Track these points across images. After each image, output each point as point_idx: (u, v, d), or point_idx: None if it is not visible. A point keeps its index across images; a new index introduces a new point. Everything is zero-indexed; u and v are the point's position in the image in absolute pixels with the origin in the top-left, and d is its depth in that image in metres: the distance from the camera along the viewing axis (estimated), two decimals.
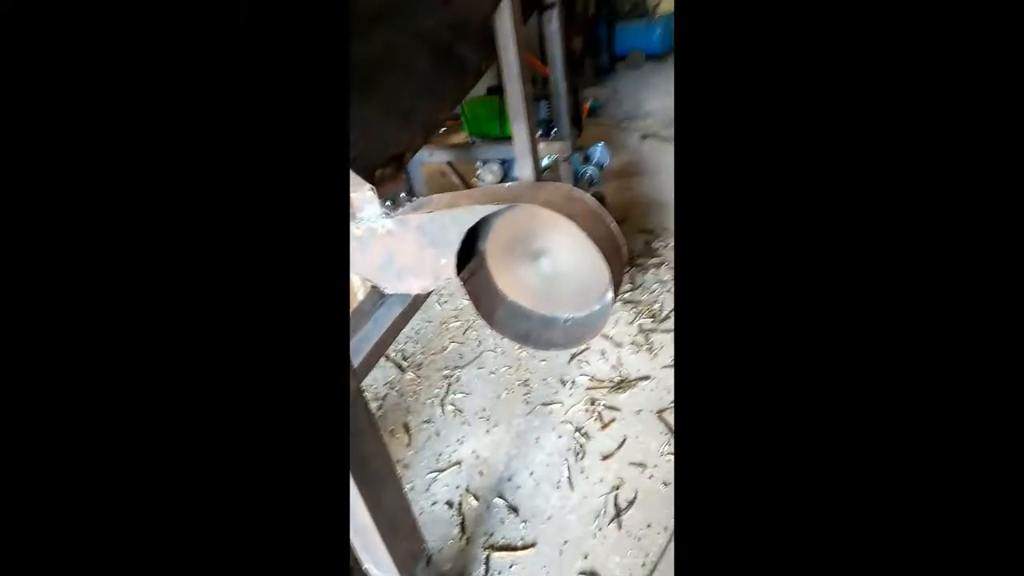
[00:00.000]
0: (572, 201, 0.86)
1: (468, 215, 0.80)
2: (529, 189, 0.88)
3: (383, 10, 0.61)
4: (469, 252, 0.86)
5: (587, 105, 3.86)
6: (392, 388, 1.34)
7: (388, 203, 0.94)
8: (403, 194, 1.27)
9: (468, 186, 1.83)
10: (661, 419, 1.14)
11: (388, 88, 0.70)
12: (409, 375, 1.38)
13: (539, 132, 1.84)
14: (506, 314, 1.02)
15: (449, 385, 1.33)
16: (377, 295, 1.22)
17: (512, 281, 0.94)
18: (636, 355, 1.33)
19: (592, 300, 0.88)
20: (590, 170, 1.48)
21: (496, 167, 1.65)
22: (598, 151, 1.57)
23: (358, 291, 1.35)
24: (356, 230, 0.92)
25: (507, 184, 0.94)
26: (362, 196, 0.83)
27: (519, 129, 1.07)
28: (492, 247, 0.87)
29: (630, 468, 1.05)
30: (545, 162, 1.84)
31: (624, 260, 0.91)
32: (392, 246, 0.92)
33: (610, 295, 0.79)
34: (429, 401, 1.29)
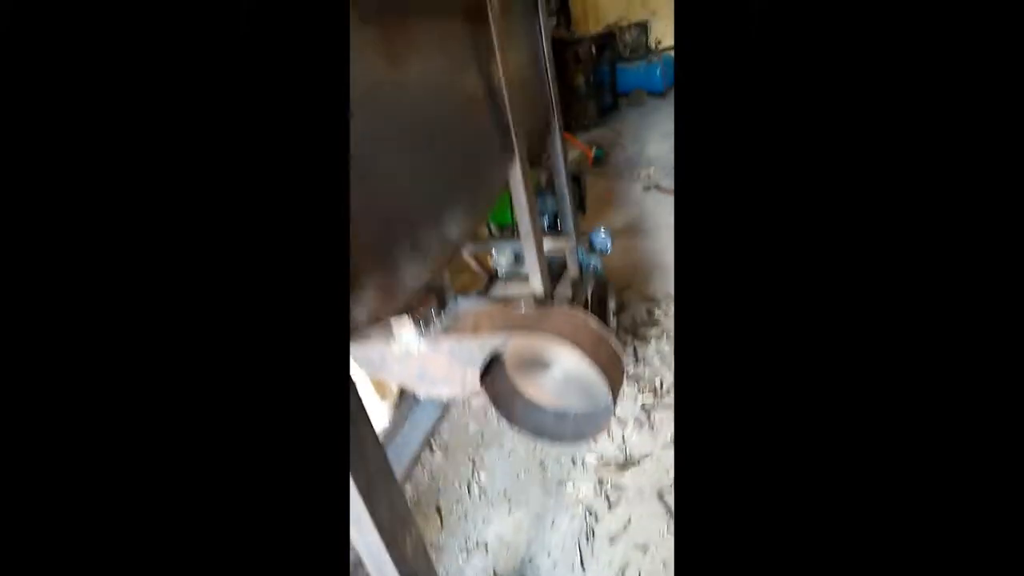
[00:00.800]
0: (577, 329, 1.06)
1: (491, 341, 0.99)
2: (541, 317, 1.07)
3: (401, 168, 0.78)
4: (490, 362, 1.05)
5: (591, 153, 4.06)
6: (424, 468, 1.51)
7: (422, 324, 1.13)
8: (433, 309, 1.49)
9: (486, 269, 2.02)
10: (662, 501, 1.29)
11: (418, 236, 0.87)
12: (438, 455, 1.55)
13: (547, 222, 2.02)
14: (522, 410, 1.21)
15: (474, 465, 1.50)
16: (412, 398, 1.41)
17: (527, 382, 1.13)
18: (639, 433, 1.48)
19: (597, 403, 1.05)
20: (593, 261, 1.66)
21: (509, 252, 1.84)
22: (600, 238, 1.74)
23: (393, 388, 1.54)
24: (395, 350, 1.12)
25: (523, 310, 1.13)
26: (399, 323, 1.02)
27: (529, 250, 1.26)
28: (510, 357, 1.05)
29: (635, 551, 1.20)
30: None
31: (623, 373, 1.10)
32: (426, 362, 1.11)
33: (612, 405, 0.97)
34: (457, 482, 1.46)
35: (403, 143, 0.77)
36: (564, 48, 4.76)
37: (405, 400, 1.46)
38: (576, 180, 1.92)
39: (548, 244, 1.74)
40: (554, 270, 1.89)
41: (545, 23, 1.30)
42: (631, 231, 2.74)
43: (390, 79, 0.72)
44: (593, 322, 1.11)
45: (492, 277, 2.09)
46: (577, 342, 1.03)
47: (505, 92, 1.02)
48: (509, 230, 2.11)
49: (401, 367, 1.15)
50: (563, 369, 1.11)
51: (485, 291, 2.04)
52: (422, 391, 1.20)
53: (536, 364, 1.10)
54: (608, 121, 5.35)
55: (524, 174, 1.15)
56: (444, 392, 1.19)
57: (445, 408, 1.49)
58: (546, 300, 1.31)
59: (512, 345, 1.03)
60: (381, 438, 1.01)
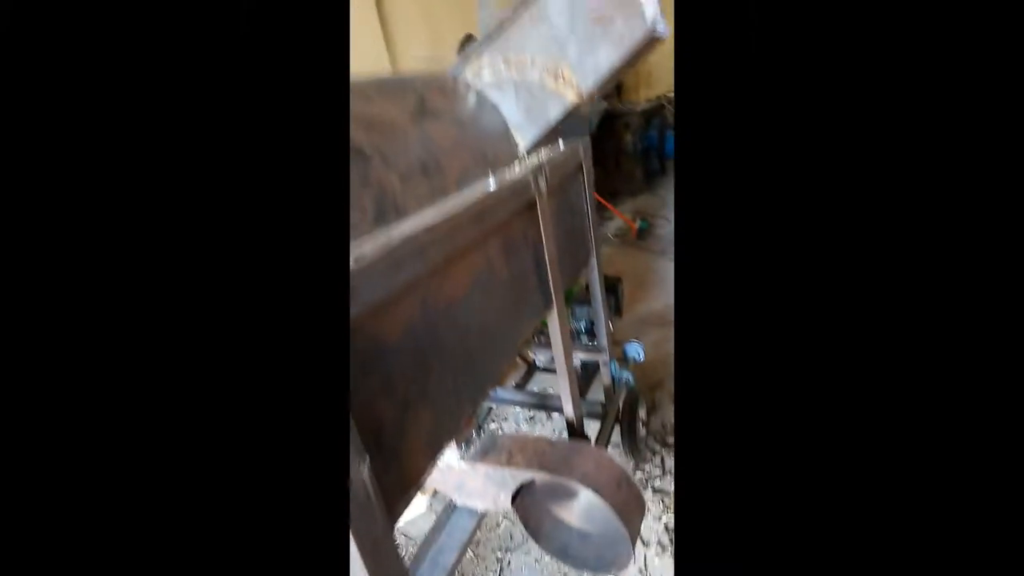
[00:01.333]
0: (601, 470, 1.18)
1: (522, 475, 1.12)
2: (570, 454, 1.20)
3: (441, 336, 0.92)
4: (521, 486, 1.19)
5: (636, 226, 4.17)
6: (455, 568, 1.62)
7: (463, 447, 1.29)
8: (474, 432, 1.65)
9: (526, 361, 2.16)
10: None
11: (470, 382, 1.01)
12: (469, 554, 1.66)
13: (584, 327, 2.14)
14: (550, 528, 1.34)
15: (501, 569, 1.59)
16: (450, 505, 1.54)
17: (555, 503, 1.25)
18: (660, 558, 1.53)
19: (617, 536, 1.16)
20: (625, 375, 1.75)
21: (547, 351, 1.97)
22: (633, 350, 1.84)
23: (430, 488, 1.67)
24: (439, 464, 1.27)
25: (556, 443, 1.25)
26: None
27: (563, 383, 1.38)
28: (540, 483, 1.19)
29: None
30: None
31: (644, 510, 1.20)
32: (464, 477, 1.26)
33: (631, 547, 1.08)
34: None
35: (467, 313, 0.91)
36: (615, 119, 4.95)
37: (445, 504, 1.59)
38: (612, 290, 2.04)
39: (582, 354, 1.86)
40: (588, 373, 2.00)
41: (588, 179, 1.46)
42: (669, 318, 2.78)
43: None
44: (616, 465, 1.22)
45: (531, 368, 2.22)
46: (599, 486, 1.15)
47: (549, 262, 1.17)
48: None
49: (442, 476, 1.29)
50: (588, 500, 1.23)
51: (524, 381, 2.17)
52: (459, 500, 1.34)
53: (564, 491, 1.22)
54: (654, 187, 5.45)
55: (562, 321, 1.28)
56: (479, 505, 1.32)
57: (482, 515, 1.61)
58: (578, 426, 1.42)
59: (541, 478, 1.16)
60: (420, 539, 1.14)
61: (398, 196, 0.77)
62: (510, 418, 2.20)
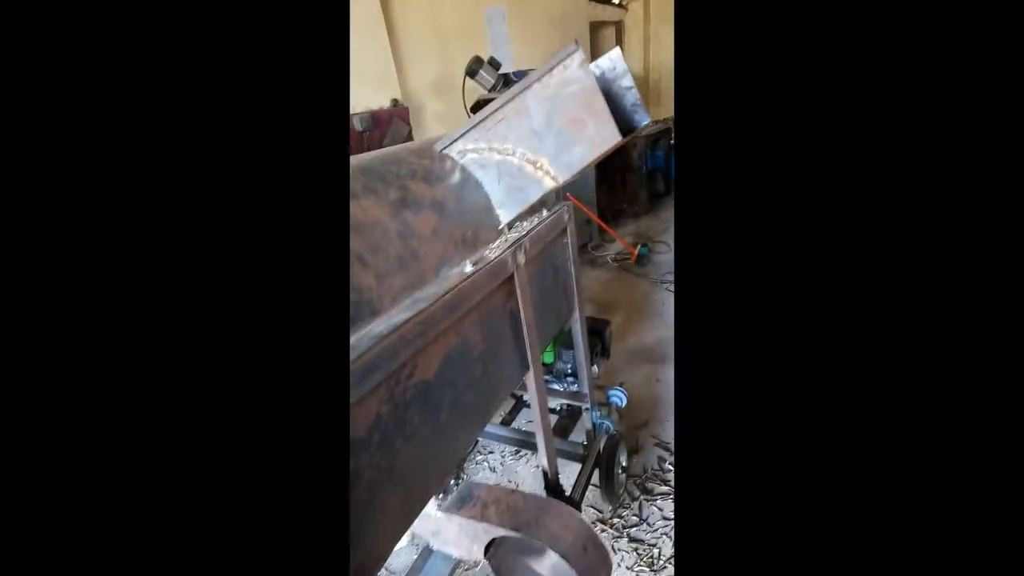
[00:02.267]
0: (569, 531, 1.23)
1: (494, 531, 1.21)
2: (542, 513, 1.25)
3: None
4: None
5: (636, 252, 4.21)
6: None
7: (440, 496, 1.35)
8: (452, 481, 1.72)
9: (512, 395, 2.21)
10: None
11: (450, 445, 1.06)
12: None
13: (568, 373, 2.18)
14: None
15: None
16: (427, 549, 1.59)
17: (526, 557, 1.31)
18: None
19: None
20: (606, 423, 1.80)
21: None
22: (615, 396, 1.89)
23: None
24: None
25: (529, 498, 1.31)
26: None
27: (540, 441, 1.43)
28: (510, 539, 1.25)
29: None
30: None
31: (609, 572, 1.26)
32: (440, 525, 1.31)
33: None
34: None
35: (439, 392, 0.96)
36: (617, 151, 4.98)
37: (423, 547, 1.65)
38: (598, 333, 2.09)
39: (565, 399, 1.91)
40: (573, 412, 2.04)
41: (572, 240, 1.51)
42: (660, 353, 2.82)
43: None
44: (584, 526, 1.27)
45: (518, 402, 2.27)
46: (566, 550, 1.20)
47: (527, 329, 1.23)
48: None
49: (420, 522, 1.35)
50: (555, 560, 1.28)
51: (511, 416, 2.22)
52: (435, 545, 1.40)
53: (534, 548, 1.27)
54: (658, 208, 5.48)
55: (538, 382, 1.33)
56: (454, 552, 1.38)
57: (458, 561, 1.66)
58: (552, 479, 1.47)
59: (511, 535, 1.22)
60: (401, 573, 1.19)
61: (374, 296, 0.82)
62: (496, 451, 2.25)
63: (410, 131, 4.55)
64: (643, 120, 1.22)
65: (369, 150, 4.27)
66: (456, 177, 1.16)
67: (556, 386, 2.02)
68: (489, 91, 4.39)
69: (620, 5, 7.23)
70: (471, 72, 4.33)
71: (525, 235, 1.20)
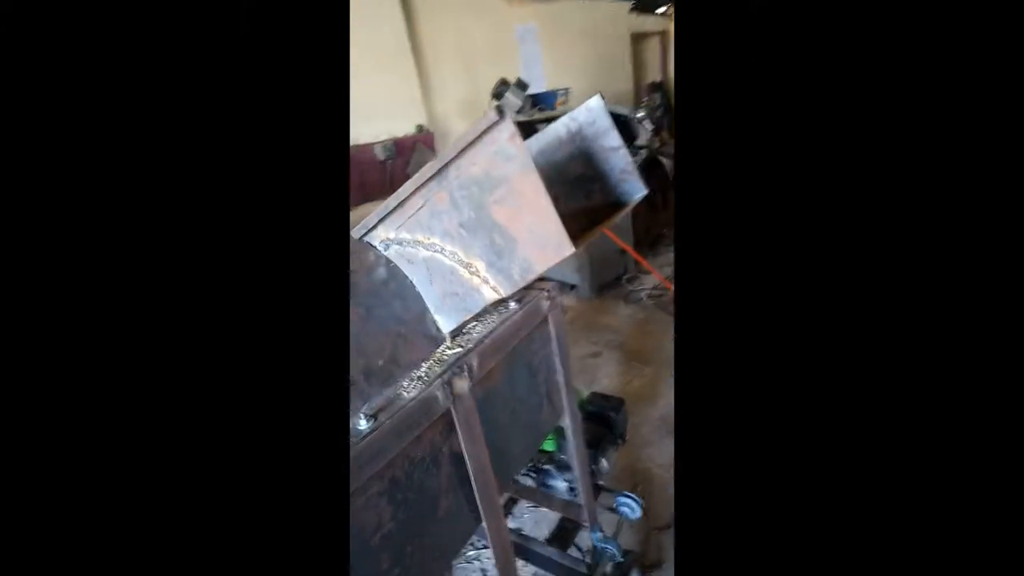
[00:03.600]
0: None
1: None
2: None
3: None
4: None
5: (672, 287, 3.78)
6: None
7: None
8: None
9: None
10: None
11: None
12: None
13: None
14: None
15: None
16: None
17: None
18: None
19: None
20: (610, 550, 1.44)
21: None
22: (625, 506, 1.52)
23: None
24: None
25: None
26: None
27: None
28: None
29: None
30: None
31: None
32: None
33: None
34: None
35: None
36: (656, 167, 4.59)
37: None
38: (607, 421, 1.72)
39: (560, 513, 1.56)
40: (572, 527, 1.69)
41: (559, 331, 1.18)
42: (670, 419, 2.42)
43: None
44: None
45: (511, 500, 1.94)
46: None
47: (474, 475, 0.91)
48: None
49: None
50: None
51: (505, 511, 1.90)
52: None
53: None
54: None
55: (499, 534, 1.01)
56: None
57: None
58: None
59: None
60: None
61: None
62: (482, 558, 1.92)
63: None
64: (635, 192, 0.88)
65: (393, 179, 4.09)
66: (380, 275, 0.87)
67: (557, 482, 1.67)
68: (517, 113, 4.15)
69: (665, 14, 6.79)
70: (497, 95, 4.08)
71: (470, 350, 0.88)
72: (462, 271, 0.76)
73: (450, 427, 0.86)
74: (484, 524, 0.96)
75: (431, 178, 0.70)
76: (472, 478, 0.91)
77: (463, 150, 0.65)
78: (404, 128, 4.15)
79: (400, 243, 0.82)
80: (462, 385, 0.86)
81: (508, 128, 0.61)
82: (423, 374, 0.82)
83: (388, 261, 0.87)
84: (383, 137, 4.01)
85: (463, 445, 0.88)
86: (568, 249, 0.64)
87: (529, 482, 1.73)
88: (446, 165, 0.67)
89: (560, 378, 1.23)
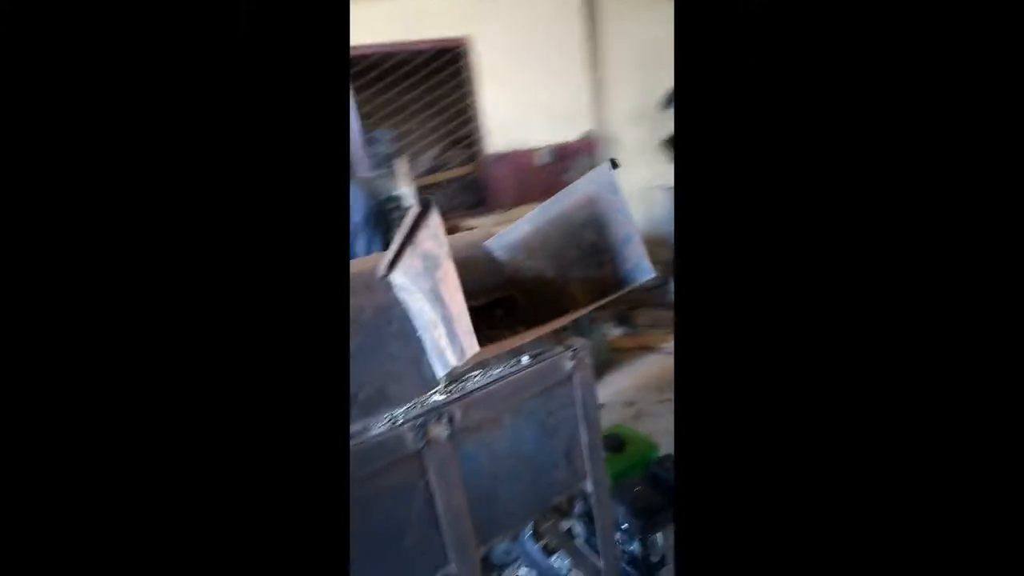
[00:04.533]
0: None
1: None
2: None
3: None
4: None
5: None
6: None
7: None
8: None
9: None
10: None
11: None
12: None
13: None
14: None
15: None
16: None
17: None
18: None
19: None
20: None
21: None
22: None
23: None
24: None
25: None
26: None
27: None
28: None
29: None
30: None
31: None
32: None
33: None
34: None
35: None
36: None
37: None
38: (649, 511, 1.50)
39: None
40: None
41: (587, 387, 1.10)
42: None
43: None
44: None
45: None
46: None
47: (445, 522, 0.93)
48: None
49: None
50: None
51: None
52: None
53: None
54: None
55: None
56: None
57: None
58: None
59: None
60: None
61: None
62: None
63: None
64: (642, 273, 0.78)
65: (547, 185, 4.25)
66: (386, 313, 0.94)
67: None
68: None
69: None
70: (666, 104, 3.85)
71: (455, 399, 0.90)
72: (433, 330, 0.79)
73: (423, 468, 0.90)
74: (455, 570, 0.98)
75: (401, 248, 0.74)
76: (441, 521, 0.93)
77: (405, 237, 0.67)
78: (569, 134, 4.20)
79: (405, 290, 0.88)
80: (439, 431, 0.89)
81: (432, 226, 0.61)
82: (400, 415, 0.88)
83: (398, 302, 0.94)
84: (547, 142, 4.13)
85: (435, 489, 0.91)
86: (471, 350, 0.61)
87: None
88: (403, 243, 0.70)
89: (584, 441, 1.15)
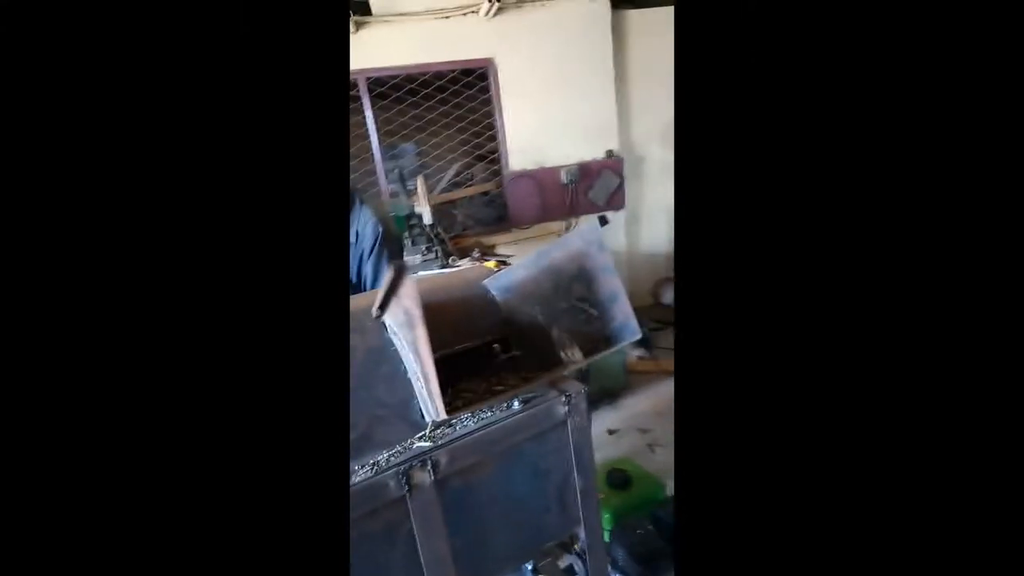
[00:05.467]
0: None
1: None
2: None
3: None
4: None
5: None
6: None
7: None
8: None
9: None
10: None
11: None
12: None
13: None
14: None
15: None
16: None
17: None
18: None
19: None
20: None
21: None
22: None
23: None
24: None
25: None
26: None
27: None
28: None
29: None
30: None
31: None
32: None
33: None
34: None
35: None
36: None
37: None
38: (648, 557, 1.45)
39: None
40: None
41: (581, 432, 1.07)
42: None
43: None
44: None
45: None
46: None
47: (426, 567, 0.92)
48: None
49: None
50: None
51: None
52: None
53: None
54: None
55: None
56: None
57: None
58: None
59: None
60: None
61: None
62: None
63: (621, 183, 4.28)
64: (627, 334, 0.76)
65: (573, 203, 4.23)
66: (376, 355, 0.94)
67: None
68: None
69: None
70: None
71: (441, 445, 0.89)
72: (415, 381, 0.79)
73: (406, 514, 0.89)
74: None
75: (387, 296, 0.74)
76: (423, 566, 0.92)
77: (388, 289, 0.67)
78: (593, 152, 4.18)
79: (395, 334, 0.88)
80: (422, 477, 0.88)
81: (408, 292, 0.61)
82: (382, 460, 0.87)
83: (390, 343, 0.94)
84: (571, 161, 4.11)
85: (417, 535, 0.90)
86: (440, 416, 0.60)
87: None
88: (387, 293, 0.71)
89: (578, 487, 1.13)
